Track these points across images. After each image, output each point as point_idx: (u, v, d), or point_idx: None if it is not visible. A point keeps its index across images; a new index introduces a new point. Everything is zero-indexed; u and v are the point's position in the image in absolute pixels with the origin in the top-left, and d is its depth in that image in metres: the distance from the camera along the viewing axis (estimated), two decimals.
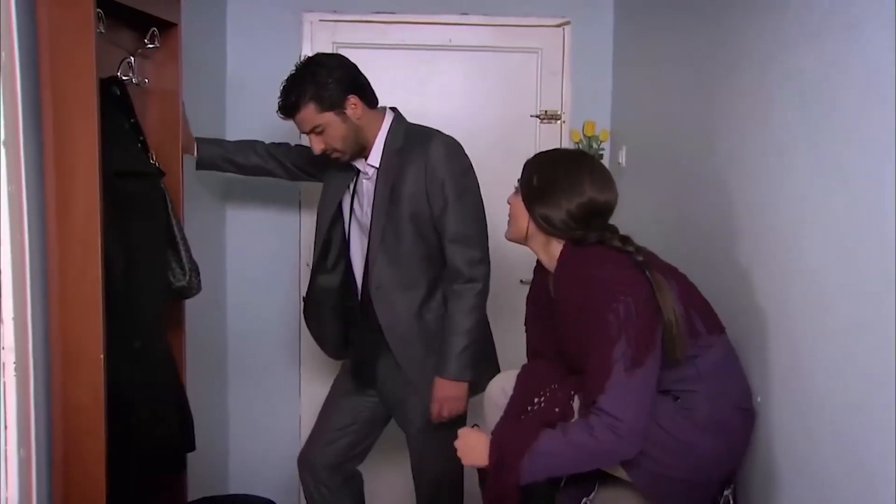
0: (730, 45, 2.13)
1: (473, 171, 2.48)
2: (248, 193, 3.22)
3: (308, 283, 2.60)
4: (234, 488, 3.30)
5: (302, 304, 2.66)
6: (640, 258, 1.84)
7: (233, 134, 3.20)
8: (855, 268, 1.52)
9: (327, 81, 2.27)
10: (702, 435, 1.80)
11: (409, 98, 3.25)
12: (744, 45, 2.04)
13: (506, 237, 2.08)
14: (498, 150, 3.31)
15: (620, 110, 3.22)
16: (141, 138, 1.99)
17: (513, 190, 2.06)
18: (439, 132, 2.46)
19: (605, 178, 1.98)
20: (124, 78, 1.98)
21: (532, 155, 2.10)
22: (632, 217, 3.08)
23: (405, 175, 2.35)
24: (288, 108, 2.29)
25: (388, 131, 2.40)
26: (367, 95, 2.38)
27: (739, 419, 1.86)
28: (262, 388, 3.35)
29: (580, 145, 3.29)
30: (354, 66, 2.40)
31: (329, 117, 2.29)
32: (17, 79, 1.59)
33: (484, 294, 2.45)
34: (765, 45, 1.92)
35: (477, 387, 2.43)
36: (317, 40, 3.22)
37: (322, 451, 2.62)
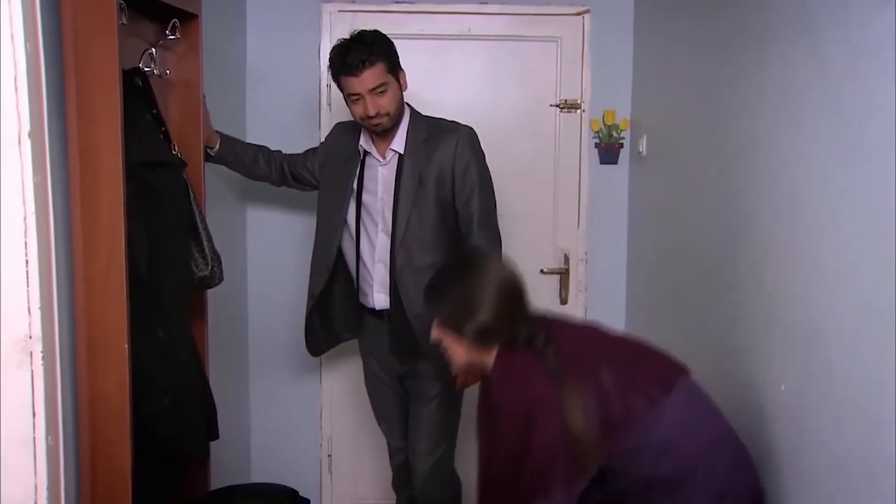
0: (751, 31, 2.11)
1: None
2: (269, 188, 3.24)
3: (315, 277, 2.67)
4: (256, 477, 3.32)
5: (311, 300, 2.70)
6: (556, 368, 1.84)
7: (252, 124, 3.23)
8: (880, 251, 1.51)
9: (392, 48, 2.44)
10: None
11: (427, 88, 3.25)
12: (766, 30, 2.02)
13: (459, 385, 2.06)
14: (518, 140, 3.31)
15: (640, 99, 3.21)
16: (163, 129, 2.01)
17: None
18: (456, 122, 2.60)
19: (498, 260, 2.08)
20: (146, 69, 1.99)
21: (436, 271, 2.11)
22: (651, 206, 3.08)
23: (432, 161, 2.48)
24: (361, 63, 2.36)
25: (410, 120, 2.54)
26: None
27: (727, 456, 1.88)
28: (283, 377, 3.37)
29: (600, 134, 3.29)
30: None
31: (392, 79, 2.43)
32: (41, 70, 1.61)
33: None
34: (788, 29, 1.89)
35: None
36: (336, 31, 3.21)
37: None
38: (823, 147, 1.71)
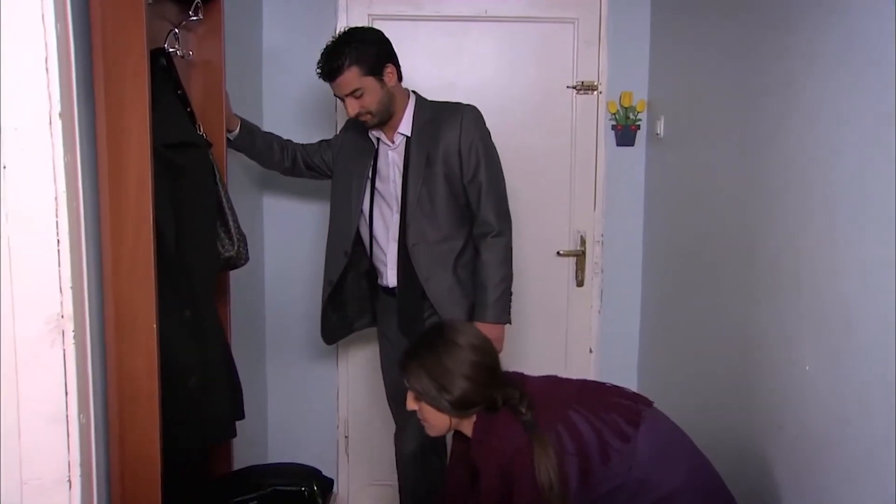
0: (774, 11, 2.10)
1: None
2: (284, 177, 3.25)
3: (331, 263, 2.73)
4: (274, 458, 3.35)
5: (329, 287, 2.75)
6: (532, 422, 1.89)
7: (269, 106, 3.23)
8: None
9: (370, 48, 2.48)
10: None
11: (443, 69, 3.25)
12: (790, 7, 2.00)
13: (431, 435, 2.07)
14: (534, 122, 3.31)
15: (658, 80, 3.20)
16: (188, 109, 2.01)
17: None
18: (460, 102, 2.66)
19: (466, 326, 2.07)
20: (170, 50, 1.99)
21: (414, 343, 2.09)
22: (669, 188, 3.08)
23: (439, 140, 2.55)
24: (332, 71, 2.46)
25: (416, 105, 2.62)
26: (398, 68, 2.58)
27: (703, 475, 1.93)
28: (300, 359, 3.38)
29: (617, 116, 3.29)
30: (389, 41, 2.59)
31: (369, 81, 2.47)
32: (71, 51, 1.61)
33: (510, 245, 2.65)
34: (816, 4, 1.88)
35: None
36: (352, 12, 3.22)
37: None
38: (854, 128, 1.70)
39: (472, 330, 2.03)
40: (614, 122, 3.31)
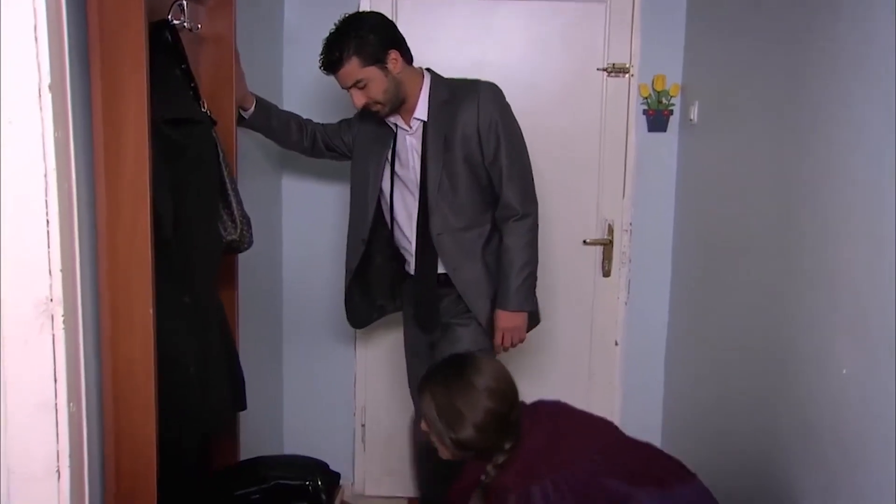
0: None
1: None
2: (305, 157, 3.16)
3: (351, 252, 2.66)
4: (289, 448, 3.28)
5: (349, 274, 2.68)
6: (486, 480, 1.86)
7: (288, 85, 3.13)
8: None
9: (369, 37, 2.35)
10: None
11: (470, 49, 3.13)
12: None
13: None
14: (562, 105, 3.18)
15: (693, 64, 3.05)
16: (192, 85, 1.92)
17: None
18: (478, 80, 2.53)
19: (498, 377, 1.90)
20: (175, 22, 1.90)
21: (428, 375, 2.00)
22: (702, 176, 2.94)
23: (456, 122, 2.43)
24: (332, 63, 2.37)
25: (431, 86, 2.49)
26: (405, 51, 2.45)
27: None
28: (317, 346, 3.30)
29: (649, 100, 3.15)
30: (393, 24, 2.49)
31: (372, 71, 2.36)
32: (63, 19, 1.52)
33: (536, 228, 2.54)
34: None
35: (535, 317, 2.62)
36: None
37: None
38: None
39: (493, 371, 1.91)
40: (646, 107, 3.17)
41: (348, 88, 2.40)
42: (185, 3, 1.94)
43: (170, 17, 1.87)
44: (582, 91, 3.17)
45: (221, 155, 1.97)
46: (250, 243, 2.08)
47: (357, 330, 3.25)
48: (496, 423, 1.86)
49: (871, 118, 1.70)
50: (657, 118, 3.16)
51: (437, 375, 1.94)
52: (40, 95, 1.49)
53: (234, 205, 2.00)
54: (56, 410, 1.57)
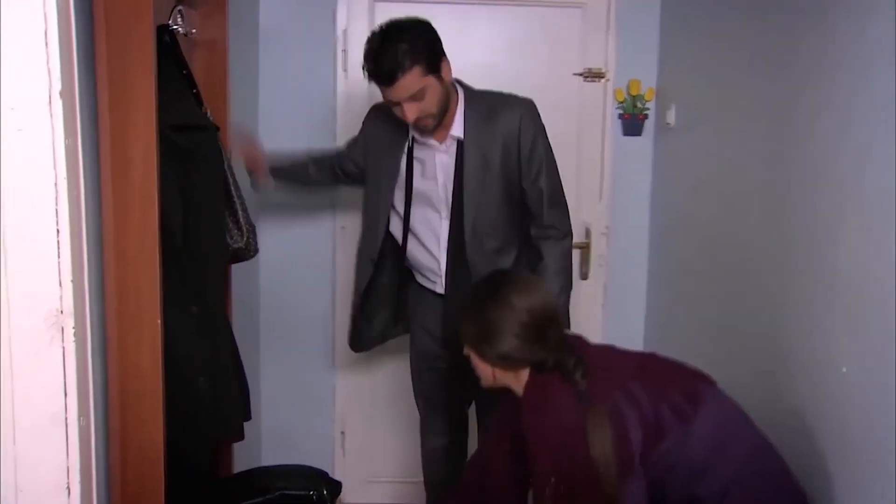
0: None
1: None
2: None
3: (360, 272, 2.57)
4: (268, 455, 3.24)
5: (358, 296, 2.60)
6: (587, 393, 1.83)
7: (266, 88, 3.10)
8: None
9: (425, 41, 2.20)
10: None
11: (448, 53, 3.13)
12: None
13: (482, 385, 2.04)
14: (539, 110, 3.19)
15: (669, 68, 3.11)
16: (194, 91, 1.89)
17: None
18: (514, 94, 2.44)
19: (529, 283, 1.99)
20: (174, 27, 1.87)
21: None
22: (679, 179, 3.00)
23: (496, 141, 2.33)
24: (390, 73, 2.14)
25: (466, 100, 2.36)
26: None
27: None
28: (295, 353, 3.27)
29: (625, 105, 3.20)
30: (436, 31, 2.31)
31: (430, 80, 2.20)
32: (72, 25, 1.49)
33: (571, 249, 2.53)
34: None
35: None
36: None
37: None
38: (893, 119, 1.62)
39: (531, 287, 1.95)
40: (621, 111, 3.22)
41: (399, 102, 2.20)
42: (182, 8, 1.91)
43: (170, 21, 1.84)
44: (558, 96, 3.20)
45: (227, 161, 1.95)
46: (256, 251, 2.06)
47: (335, 336, 3.25)
48: (536, 332, 1.87)
49: (855, 116, 1.74)
50: (632, 122, 3.22)
51: (471, 295, 1.98)
52: (51, 103, 1.45)
53: (239, 212, 1.97)
54: (66, 425, 1.53)
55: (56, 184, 1.47)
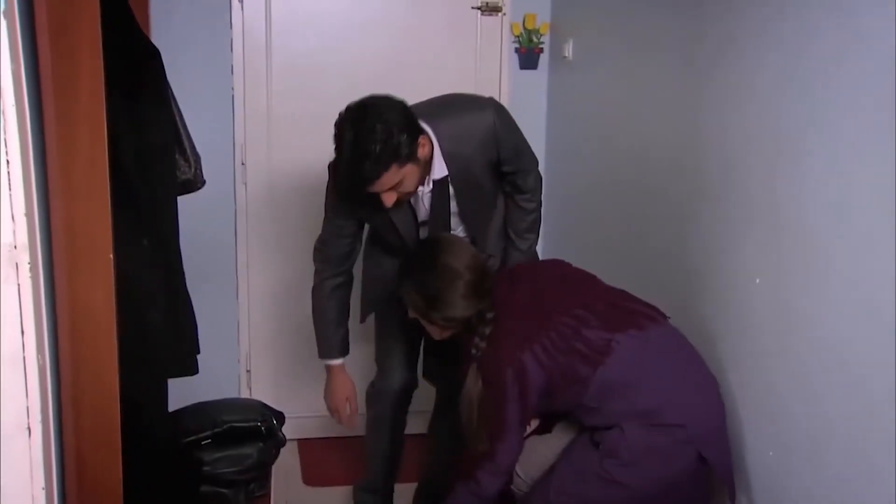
0: None
1: None
2: None
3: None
4: (173, 394, 3.16)
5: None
6: (475, 354, 2.06)
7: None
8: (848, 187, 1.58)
9: (400, 136, 2.07)
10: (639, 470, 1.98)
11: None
12: None
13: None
14: (437, 44, 3.24)
15: (563, 2, 3.20)
16: (129, 13, 1.79)
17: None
18: (477, 99, 2.42)
19: (456, 243, 2.18)
20: None
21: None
22: (576, 112, 3.12)
23: (473, 154, 2.30)
24: (366, 181, 2.08)
25: (438, 139, 2.25)
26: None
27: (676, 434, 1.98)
28: (195, 287, 3.18)
29: (521, 38, 3.28)
30: (404, 102, 2.19)
31: (408, 168, 2.13)
32: None
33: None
34: None
35: None
36: None
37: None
38: (821, 49, 1.69)
39: (460, 246, 2.16)
40: (517, 45, 3.30)
41: (379, 193, 2.14)
42: None
43: None
44: (457, 30, 3.26)
45: (171, 89, 1.87)
46: (203, 182, 2.00)
47: (237, 270, 3.20)
48: (474, 290, 2.05)
49: (772, 42, 1.84)
50: (528, 56, 3.31)
51: (412, 267, 2.15)
52: None
53: (185, 141, 1.90)
54: (25, 364, 1.47)
55: (4, 112, 1.39)
